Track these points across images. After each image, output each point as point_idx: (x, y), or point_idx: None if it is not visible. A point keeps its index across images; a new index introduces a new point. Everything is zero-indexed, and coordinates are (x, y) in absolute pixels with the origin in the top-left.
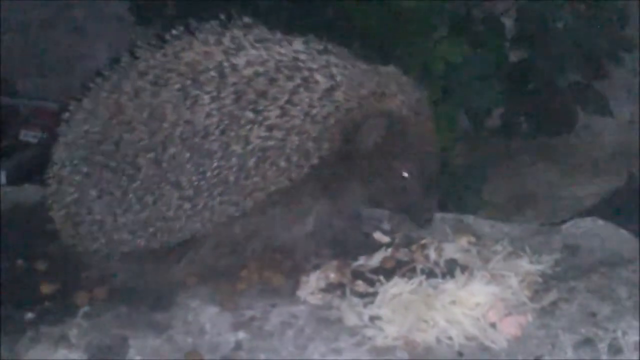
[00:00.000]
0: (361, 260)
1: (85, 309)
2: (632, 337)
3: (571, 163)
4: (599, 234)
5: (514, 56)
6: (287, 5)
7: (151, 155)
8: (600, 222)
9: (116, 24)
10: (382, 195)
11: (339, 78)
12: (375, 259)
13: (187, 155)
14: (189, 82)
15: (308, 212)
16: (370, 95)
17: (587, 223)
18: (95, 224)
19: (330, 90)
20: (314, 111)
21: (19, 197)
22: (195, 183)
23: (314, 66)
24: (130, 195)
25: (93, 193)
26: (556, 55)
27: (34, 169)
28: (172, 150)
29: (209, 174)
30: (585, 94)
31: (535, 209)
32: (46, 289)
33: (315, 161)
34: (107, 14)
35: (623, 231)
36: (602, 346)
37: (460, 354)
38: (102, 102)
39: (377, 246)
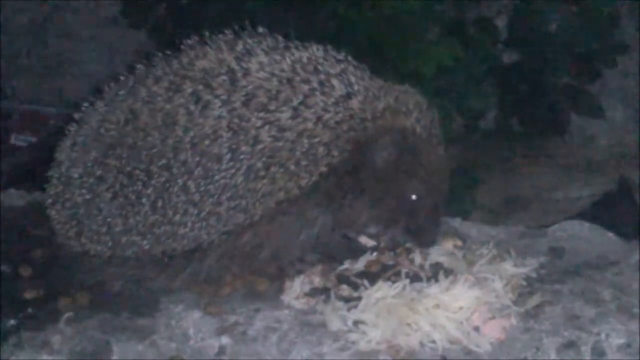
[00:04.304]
0: (346, 264)
1: (68, 314)
2: (616, 340)
3: (564, 165)
4: (584, 236)
5: (506, 58)
6: (279, 9)
7: (163, 162)
8: (587, 224)
9: (108, 27)
10: (386, 212)
11: (356, 87)
12: (360, 263)
13: (197, 159)
14: (201, 87)
15: (314, 223)
16: (385, 110)
17: (573, 226)
18: (104, 226)
19: (346, 97)
20: (327, 116)
21: (3, 202)
22: (202, 188)
23: (332, 71)
24: (144, 200)
25: (106, 195)
26: (549, 58)
27: (26, 173)
28: (182, 156)
29: (217, 177)
30: (577, 96)
31: (527, 211)
32: (29, 294)
33: (323, 168)
34: (99, 17)
35: (609, 234)
36: (586, 349)
37: (444, 357)
38: (117, 106)
39: (362, 250)
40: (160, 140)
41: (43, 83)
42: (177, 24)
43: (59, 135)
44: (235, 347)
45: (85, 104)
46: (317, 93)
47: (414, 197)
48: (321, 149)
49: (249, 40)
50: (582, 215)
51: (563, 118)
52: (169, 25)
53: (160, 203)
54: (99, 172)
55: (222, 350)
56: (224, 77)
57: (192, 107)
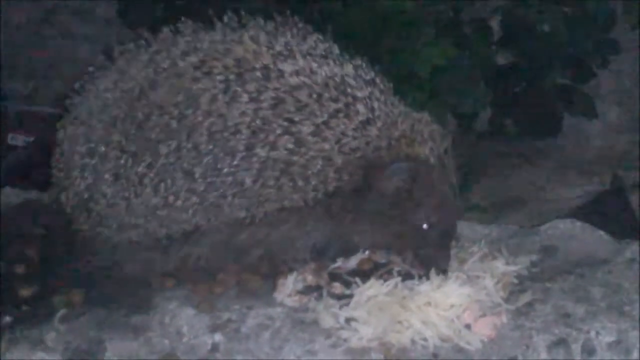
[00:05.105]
0: (338, 262)
1: (63, 312)
2: (606, 338)
3: (557, 165)
4: (576, 235)
5: (500, 59)
6: (274, 6)
7: (174, 142)
8: (578, 223)
9: (104, 27)
10: (387, 238)
11: (377, 113)
12: (353, 261)
13: (210, 147)
14: (232, 76)
15: (312, 234)
16: (401, 138)
17: (565, 225)
18: (108, 208)
19: (366, 123)
20: (345, 140)
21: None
22: (209, 179)
23: (359, 94)
24: (146, 181)
25: (108, 177)
26: (542, 58)
27: (22, 171)
28: (195, 139)
29: (225, 170)
30: (571, 97)
31: (521, 211)
32: (24, 292)
33: (331, 189)
34: (95, 17)
35: (600, 232)
36: (576, 347)
37: (435, 355)
38: (134, 73)
39: (355, 248)
40: (176, 119)
41: (39, 83)
42: (175, 24)
43: (56, 135)
44: (228, 344)
45: (92, 69)
46: (341, 115)
47: (419, 225)
48: (332, 173)
49: (290, 38)
50: (574, 215)
51: (557, 118)
52: (166, 25)
53: (163, 186)
54: (102, 149)
55: (215, 347)
56: (258, 73)
57: (219, 95)
